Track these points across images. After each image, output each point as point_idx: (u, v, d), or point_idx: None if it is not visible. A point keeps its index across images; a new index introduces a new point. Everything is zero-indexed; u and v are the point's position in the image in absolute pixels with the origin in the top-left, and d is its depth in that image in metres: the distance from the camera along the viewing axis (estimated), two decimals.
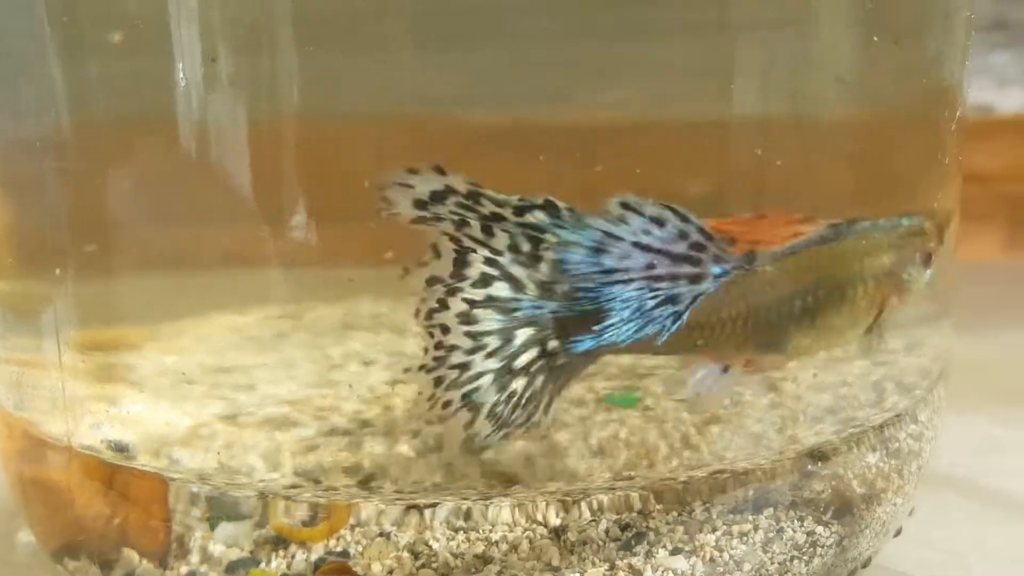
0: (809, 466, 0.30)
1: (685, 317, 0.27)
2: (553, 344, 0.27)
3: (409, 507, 0.28)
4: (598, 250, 0.26)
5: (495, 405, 0.28)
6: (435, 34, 0.28)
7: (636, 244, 0.26)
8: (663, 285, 0.26)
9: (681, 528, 0.28)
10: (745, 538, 0.29)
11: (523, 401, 0.28)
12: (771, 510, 0.29)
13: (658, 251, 0.26)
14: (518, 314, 0.27)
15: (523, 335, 0.27)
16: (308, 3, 0.28)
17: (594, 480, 0.29)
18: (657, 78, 0.29)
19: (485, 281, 0.27)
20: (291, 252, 0.31)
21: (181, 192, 0.31)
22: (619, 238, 0.26)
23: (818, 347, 0.29)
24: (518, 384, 0.28)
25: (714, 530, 0.29)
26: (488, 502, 0.28)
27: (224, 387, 0.32)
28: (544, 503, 0.28)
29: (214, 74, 0.29)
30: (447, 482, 0.29)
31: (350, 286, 0.33)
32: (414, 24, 0.28)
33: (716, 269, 0.27)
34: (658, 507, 0.28)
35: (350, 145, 0.30)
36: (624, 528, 0.28)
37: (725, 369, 0.28)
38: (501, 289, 0.27)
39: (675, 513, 0.28)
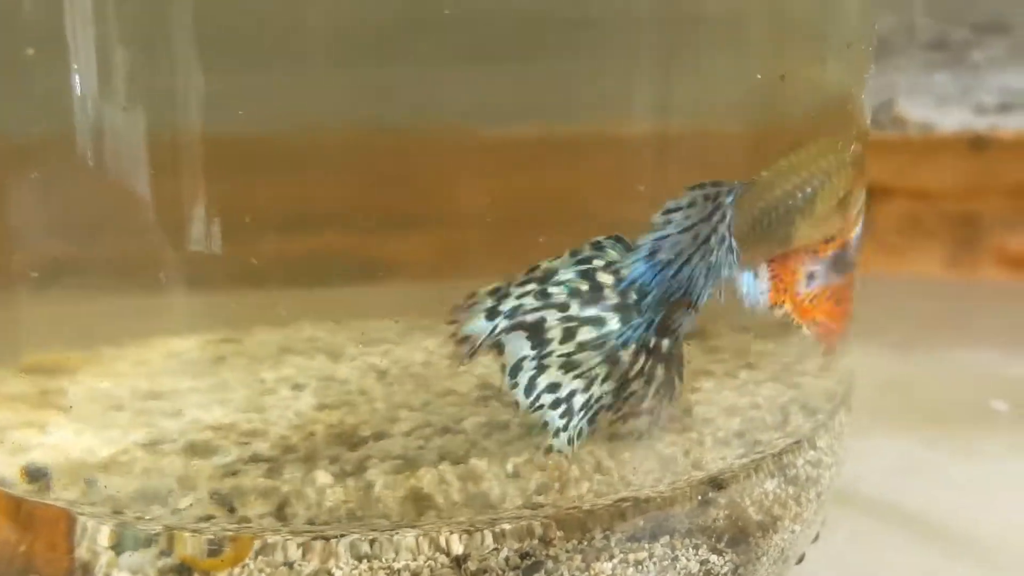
0: (709, 493, 0.30)
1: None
2: (654, 340, 0.29)
3: (315, 536, 0.29)
4: (653, 253, 0.28)
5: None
6: (343, 50, 0.29)
7: (682, 231, 0.28)
8: (711, 244, 0.29)
9: (579, 556, 0.29)
10: (640, 567, 0.29)
11: (651, 392, 0.29)
12: (667, 538, 0.30)
13: (698, 223, 0.28)
14: (613, 341, 0.29)
15: (626, 353, 0.29)
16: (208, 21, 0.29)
17: (505, 507, 0.29)
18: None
19: (570, 334, 0.29)
20: (231, 275, 0.32)
21: (113, 214, 0.31)
22: (666, 235, 0.28)
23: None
24: (636, 386, 0.29)
25: (611, 558, 0.29)
26: (394, 532, 0.29)
27: (152, 413, 0.32)
28: (448, 531, 0.29)
29: (142, 93, 0.29)
30: (362, 509, 0.29)
31: (291, 310, 0.33)
32: (319, 40, 0.29)
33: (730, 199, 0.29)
34: (559, 534, 0.29)
35: (284, 164, 0.30)
36: (523, 557, 0.28)
37: (756, 275, 0.31)
38: (587, 333, 0.29)
39: (575, 541, 0.29)
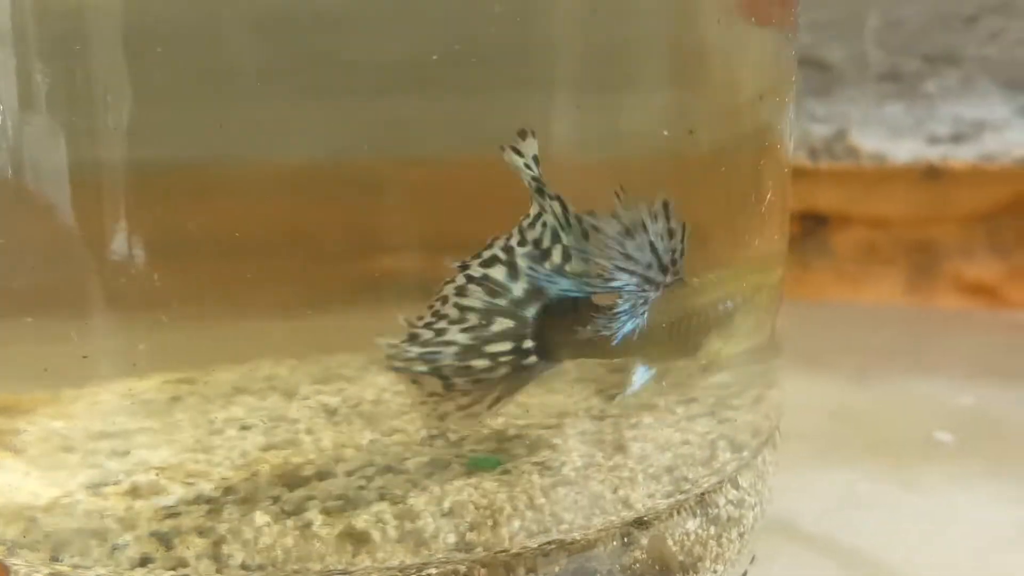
0: (633, 532, 0.31)
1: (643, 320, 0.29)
2: (528, 344, 0.29)
3: None
4: (628, 232, 0.28)
5: (447, 370, 0.29)
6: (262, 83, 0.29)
7: (651, 243, 0.28)
8: (648, 286, 0.28)
9: None
10: None
11: (477, 381, 0.29)
12: None
13: (657, 253, 0.28)
14: (502, 302, 0.29)
15: (502, 324, 0.29)
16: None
17: (438, 547, 0.30)
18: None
19: (489, 262, 0.29)
20: (190, 314, 0.32)
21: (68, 252, 0.32)
22: (646, 230, 0.28)
23: (728, 351, 0.31)
24: (479, 363, 0.29)
25: None
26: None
27: (100, 454, 0.32)
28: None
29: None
30: (298, 549, 0.29)
31: (252, 347, 0.34)
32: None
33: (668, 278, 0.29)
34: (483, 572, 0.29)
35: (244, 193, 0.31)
36: None
37: (649, 370, 0.31)
38: (498, 272, 0.29)
39: None
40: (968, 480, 0.39)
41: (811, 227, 0.65)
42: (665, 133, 0.31)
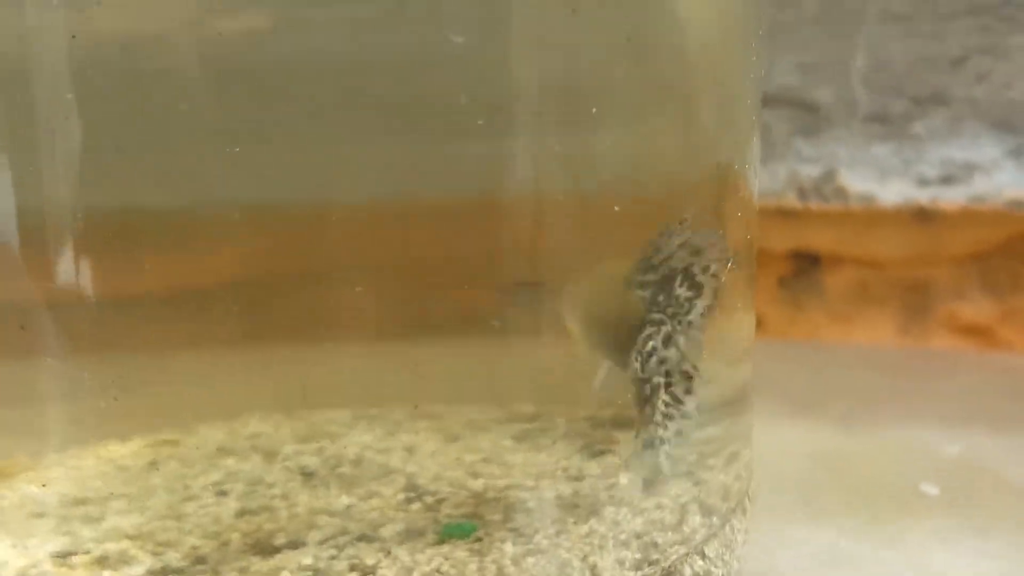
0: None
1: None
2: None
3: None
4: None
5: None
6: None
7: None
8: None
9: None
10: None
11: None
12: None
13: None
14: None
15: None
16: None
17: None
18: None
19: None
20: (174, 374, 0.32)
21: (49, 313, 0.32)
22: None
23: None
24: None
25: None
26: None
27: (73, 520, 0.32)
28: None
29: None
30: None
31: (235, 405, 0.33)
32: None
33: None
34: None
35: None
36: None
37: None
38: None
39: None
40: (953, 536, 0.38)
41: (803, 267, 0.65)
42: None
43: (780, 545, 0.37)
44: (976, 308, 0.64)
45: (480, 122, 0.30)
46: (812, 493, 0.41)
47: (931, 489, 0.42)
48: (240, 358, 0.33)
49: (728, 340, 0.35)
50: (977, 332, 0.64)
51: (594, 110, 0.31)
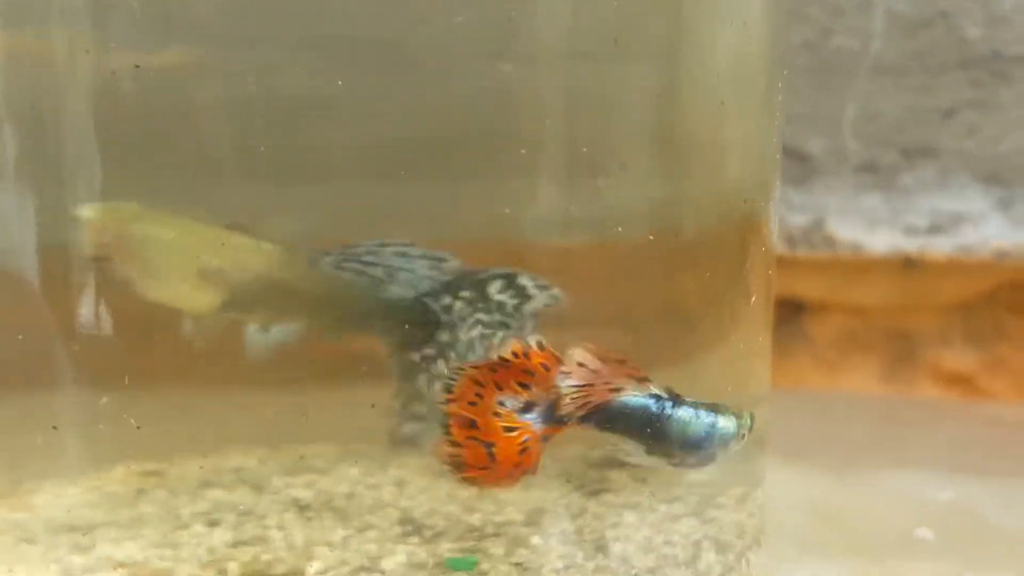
0: None
1: None
2: None
3: None
4: None
5: None
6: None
7: None
8: None
9: None
10: None
11: None
12: None
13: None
14: None
15: None
16: None
17: None
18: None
19: None
20: (159, 403, 0.32)
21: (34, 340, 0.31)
22: None
23: None
24: None
25: None
26: None
27: (62, 548, 0.32)
28: None
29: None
30: None
31: (218, 438, 0.33)
32: None
33: None
34: None
35: None
36: None
37: None
38: None
39: None
40: None
41: (789, 314, 0.65)
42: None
43: None
44: (960, 357, 0.64)
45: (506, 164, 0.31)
46: (811, 538, 0.41)
47: (926, 534, 0.42)
48: (222, 392, 0.33)
49: (744, 383, 0.35)
50: (961, 381, 0.64)
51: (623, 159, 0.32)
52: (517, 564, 0.31)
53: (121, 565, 0.31)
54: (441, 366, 0.32)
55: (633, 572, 0.31)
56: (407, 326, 0.33)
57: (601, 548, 0.31)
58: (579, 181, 0.32)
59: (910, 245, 0.62)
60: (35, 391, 0.32)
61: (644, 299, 0.34)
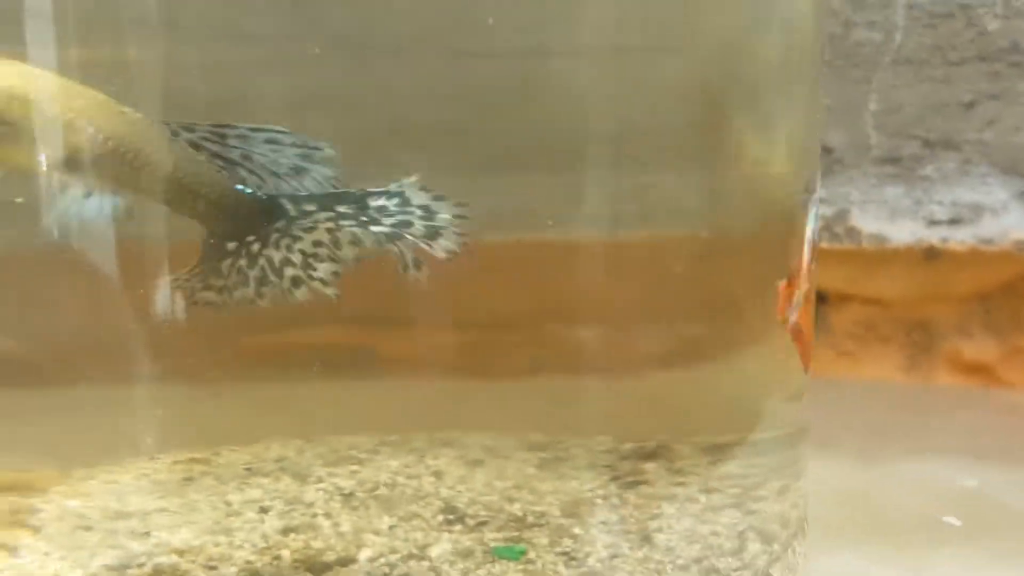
0: None
1: None
2: None
3: None
4: None
5: None
6: None
7: None
8: None
9: None
10: None
11: None
12: None
13: None
14: None
15: None
16: None
17: None
18: None
19: None
20: (202, 397, 0.32)
21: (81, 329, 0.32)
22: None
23: None
24: None
25: None
26: None
27: (120, 534, 0.32)
28: None
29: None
30: None
31: (259, 429, 0.34)
32: None
33: None
34: None
35: None
36: None
37: None
38: None
39: None
40: (980, 564, 0.39)
41: None
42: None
43: (814, 574, 0.37)
44: (979, 347, 0.65)
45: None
46: (839, 525, 0.41)
47: (954, 520, 0.43)
48: (263, 385, 0.33)
49: (783, 377, 0.36)
50: (980, 370, 0.65)
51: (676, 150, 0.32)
52: (563, 554, 0.31)
53: (177, 551, 0.32)
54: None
55: (679, 561, 0.32)
56: (240, 218, 0.31)
57: (646, 538, 0.32)
58: (629, 177, 0.32)
59: (931, 236, 0.63)
60: (79, 382, 0.33)
61: (689, 293, 0.34)
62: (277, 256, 0.31)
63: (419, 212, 0.31)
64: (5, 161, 0.31)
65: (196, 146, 0.30)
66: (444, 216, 0.31)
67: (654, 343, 0.34)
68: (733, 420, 0.35)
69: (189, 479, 0.34)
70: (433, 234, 0.31)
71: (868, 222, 0.63)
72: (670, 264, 0.33)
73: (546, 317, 0.34)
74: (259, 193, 0.31)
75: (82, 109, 0.30)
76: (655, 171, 0.32)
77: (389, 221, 0.31)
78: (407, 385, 0.34)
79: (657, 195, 0.33)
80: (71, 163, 0.30)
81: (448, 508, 0.33)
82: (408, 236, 0.31)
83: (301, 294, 0.31)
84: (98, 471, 0.34)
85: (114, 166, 0.30)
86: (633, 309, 0.33)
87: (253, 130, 0.30)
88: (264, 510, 0.33)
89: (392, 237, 0.31)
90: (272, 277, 0.31)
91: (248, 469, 0.34)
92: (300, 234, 0.31)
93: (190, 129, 0.30)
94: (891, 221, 0.63)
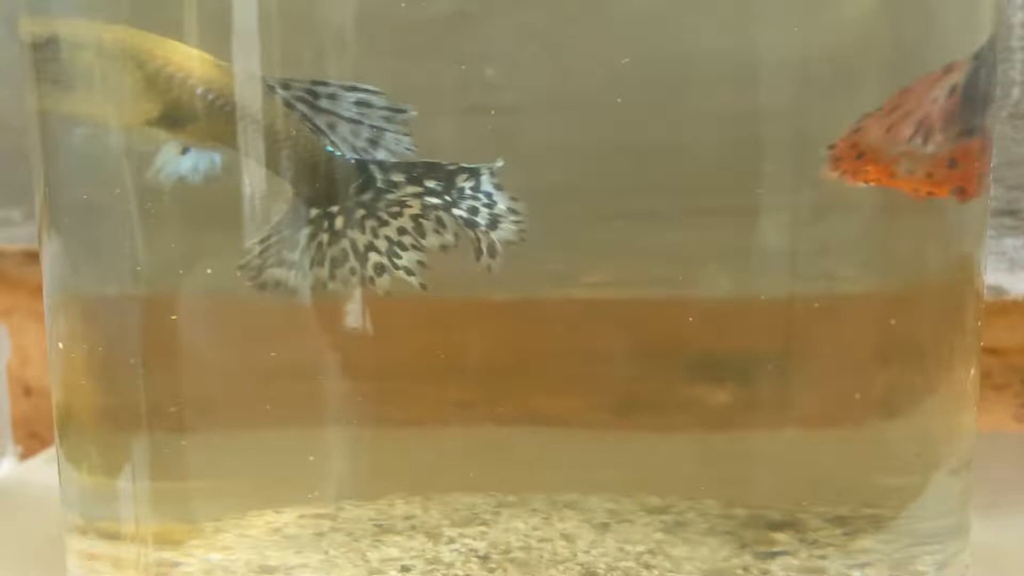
0: None
1: None
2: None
3: None
4: None
5: None
6: None
7: None
8: None
9: None
10: None
11: None
12: None
13: None
14: None
15: None
16: None
17: None
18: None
19: None
20: (327, 451, 0.33)
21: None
22: None
23: None
24: None
25: None
26: None
27: None
28: None
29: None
30: None
31: (381, 486, 0.34)
32: None
33: None
34: None
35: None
36: None
37: None
38: None
39: None
40: None
41: None
42: None
43: None
44: None
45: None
46: None
47: None
48: (385, 436, 0.34)
49: (955, 431, 0.35)
50: None
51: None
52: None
53: None
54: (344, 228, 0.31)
55: None
56: (328, 180, 0.31)
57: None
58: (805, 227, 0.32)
59: None
60: (201, 432, 0.34)
61: (864, 346, 0.34)
62: (362, 240, 0.31)
63: (483, 199, 0.30)
64: (110, 118, 0.31)
65: (289, 104, 0.30)
66: (503, 206, 0.30)
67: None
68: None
69: (320, 534, 0.34)
70: (494, 223, 0.31)
71: (988, 274, 0.62)
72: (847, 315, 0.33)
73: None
74: (349, 156, 0.30)
75: (180, 63, 0.30)
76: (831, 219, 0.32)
77: (465, 205, 0.31)
78: (527, 444, 0.34)
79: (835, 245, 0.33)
80: (168, 119, 0.30)
81: (588, 573, 0.33)
82: (479, 223, 0.30)
83: (383, 283, 0.31)
84: (227, 524, 0.34)
85: (210, 121, 0.30)
86: (809, 363, 0.33)
87: (346, 88, 0.30)
88: (406, 569, 0.33)
89: (470, 225, 0.31)
90: (353, 262, 0.31)
91: (378, 526, 0.34)
92: (387, 218, 0.30)
93: (286, 86, 0.30)
94: (1010, 272, 0.62)
